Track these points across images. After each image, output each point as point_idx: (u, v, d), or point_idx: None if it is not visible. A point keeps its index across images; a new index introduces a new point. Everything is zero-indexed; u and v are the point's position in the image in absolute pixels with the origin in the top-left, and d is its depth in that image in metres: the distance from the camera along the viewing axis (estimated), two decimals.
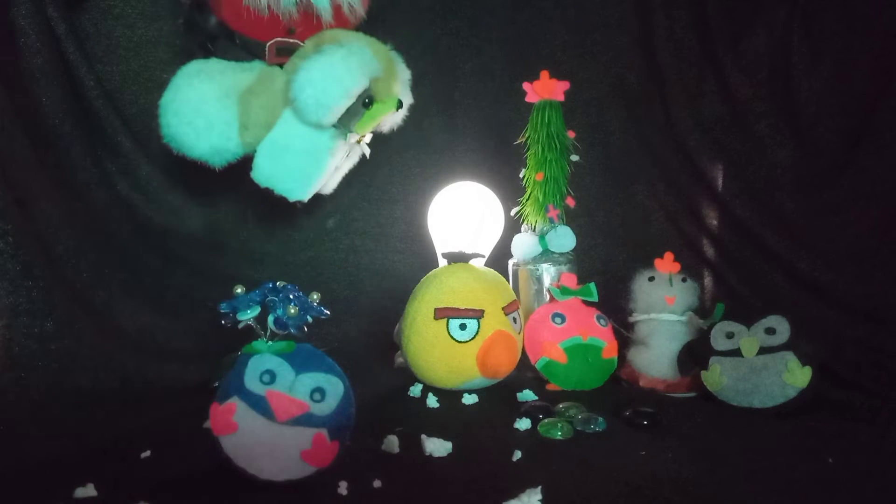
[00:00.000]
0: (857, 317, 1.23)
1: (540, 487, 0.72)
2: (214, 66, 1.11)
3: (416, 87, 1.23)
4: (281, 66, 1.12)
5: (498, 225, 1.40)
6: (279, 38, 1.11)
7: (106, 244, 1.17)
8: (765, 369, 1.02)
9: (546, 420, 0.94)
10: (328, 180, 1.21)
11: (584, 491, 0.74)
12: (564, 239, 1.30)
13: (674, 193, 1.50)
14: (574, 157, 1.33)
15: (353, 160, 1.24)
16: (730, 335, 1.08)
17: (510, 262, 1.38)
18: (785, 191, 1.36)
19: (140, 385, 1.09)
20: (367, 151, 1.21)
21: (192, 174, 1.37)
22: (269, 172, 1.10)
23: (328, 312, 0.83)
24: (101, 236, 1.17)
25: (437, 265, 1.35)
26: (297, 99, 1.04)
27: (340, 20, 1.10)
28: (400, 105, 1.13)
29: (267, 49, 1.12)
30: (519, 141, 1.34)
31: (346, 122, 1.10)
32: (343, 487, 0.74)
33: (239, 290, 0.78)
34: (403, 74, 1.18)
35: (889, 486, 0.77)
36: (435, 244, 1.42)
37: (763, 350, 1.04)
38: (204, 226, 1.35)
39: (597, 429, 0.93)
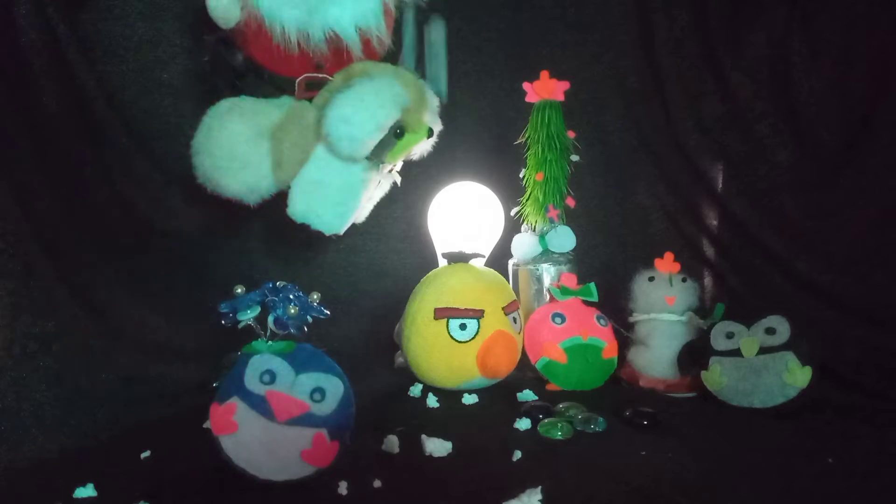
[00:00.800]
0: (857, 317, 1.23)
1: (540, 487, 0.72)
2: (244, 104, 1.11)
3: None
4: (310, 99, 1.13)
5: (498, 225, 1.40)
6: (308, 74, 1.12)
7: (106, 244, 1.17)
8: (765, 369, 1.02)
9: (546, 420, 0.95)
10: (365, 211, 1.23)
11: (584, 491, 0.74)
12: (564, 239, 1.30)
13: (674, 193, 1.50)
14: (574, 157, 1.33)
15: (385, 188, 1.25)
16: (730, 335, 1.08)
17: (510, 262, 1.38)
18: (785, 191, 1.36)
19: (140, 385, 1.09)
20: (399, 179, 1.23)
21: (192, 174, 1.38)
22: (305, 208, 1.10)
23: (328, 312, 0.83)
24: (101, 236, 1.17)
25: (437, 265, 1.35)
26: (330, 135, 1.05)
27: (369, 52, 1.10)
28: (431, 133, 1.14)
29: (297, 85, 1.13)
30: (519, 141, 1.35)
31: (378, 154, 1.10)
32: (343, 487, 0.74)
33: (239, 290, 0.78)
34: (432, 102, 1.19)
35: (889, 486, 0.77)
36: (435, 244, 1.42)
37: (763, 350, 1.04)
38: (204, 226, 1.35)
39: (597, 429, 0.93)
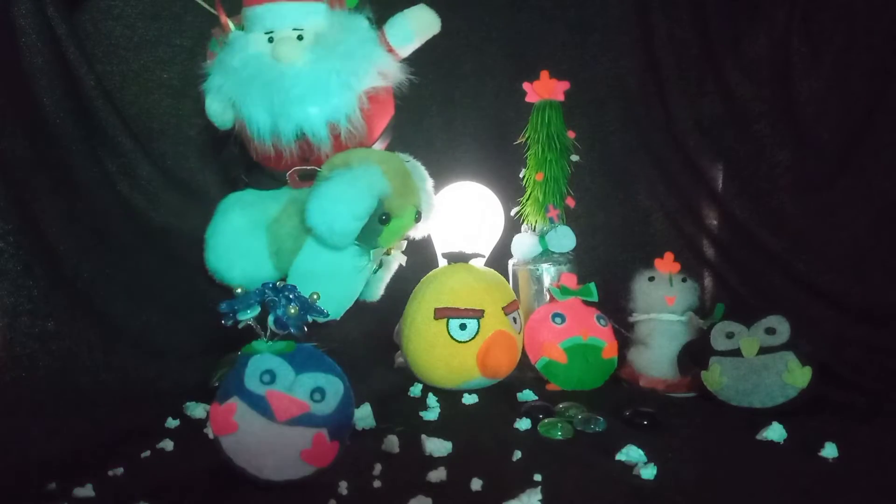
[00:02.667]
0: (856, 317, 1.23)
1: (540, 487, 0.72)
2: (247, 196, 1.19)
3: (416, 87, 1.23)
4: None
5: (498, 225, 1.40)
6: (297, 167, 1.15)
7: (106, 244, 1.17)
8: (765, 369, 1.02)
9: (546, 420, 0.94)
10: (376, 290, 1.27)
11: (584, 491, 0.74)
12: (564, 239, 1.30)
13: (674, 193, 1.50)
14: (574, 157, 1.33)
15: (393, 268, 1.27)
16: (730, 335, 1.08)
17: (510, 262, 1.38)
18: (785, 191, 1.37)
19: (140, 385, 1.09)
20: (404, 259, 1.26)
21: (192, 174, 1.38)
22: None
23: (328, 312, 0.83)
24: (102, 236, 1.17)
25: (437, 265, 1.35)
26: (311, 227, 1.07)
27: (339, 146, 1.12)
28: (419, 217, 1.15)
29: (288, 177, 1.17)
30: (519, 141, 1.34)
31: (367, 240, 1.11)
32: (343, 487, 0.74)
33: (239, 290, 0.78)
34: (423, 183, 1.20)
35: (889, 486, 0.77)
36: (435, 244, 1.42)
37: (763, 350, 1.04)
38: (203, 225, 1.34)
39: (597, 429, 0.93)
